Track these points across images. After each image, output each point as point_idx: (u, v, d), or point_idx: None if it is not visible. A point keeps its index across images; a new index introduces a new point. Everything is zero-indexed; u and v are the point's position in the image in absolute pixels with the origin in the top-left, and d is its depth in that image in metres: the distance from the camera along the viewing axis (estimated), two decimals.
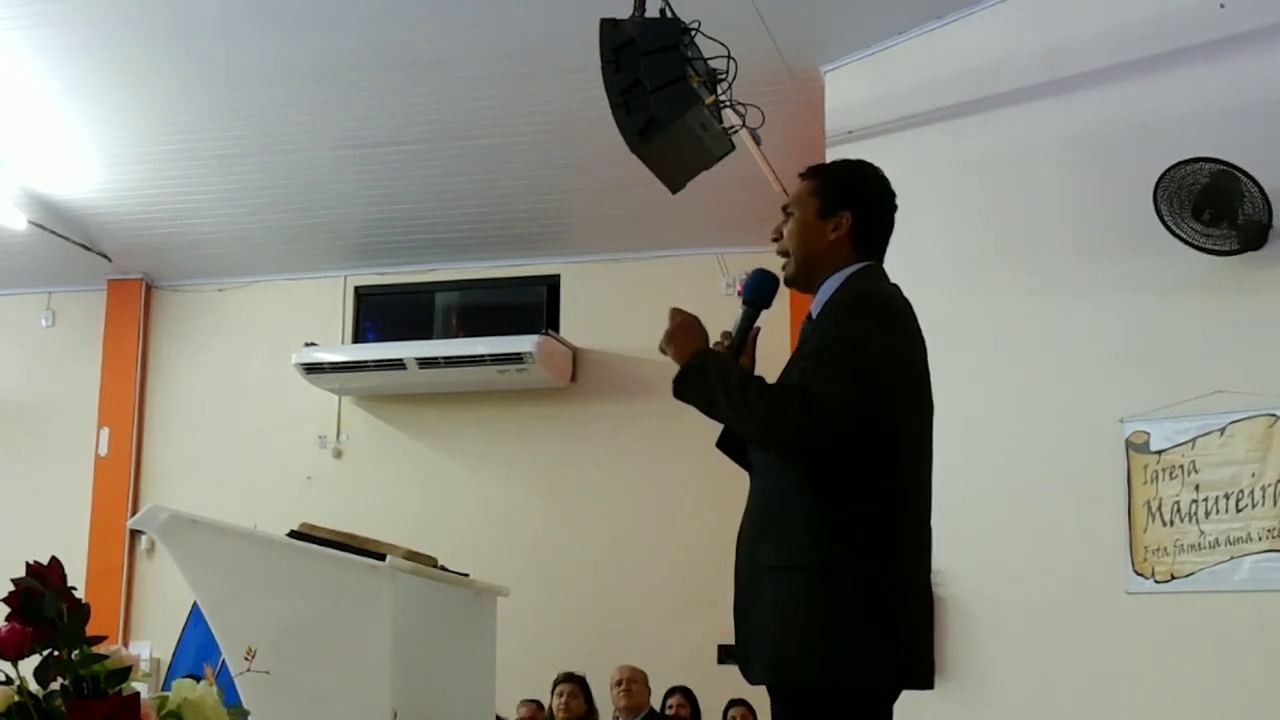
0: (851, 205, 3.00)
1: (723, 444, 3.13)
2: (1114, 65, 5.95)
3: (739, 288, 8.53)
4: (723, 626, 9.08)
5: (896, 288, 3.02)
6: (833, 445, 2.75)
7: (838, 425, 2.74)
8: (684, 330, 2.96)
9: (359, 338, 9.43)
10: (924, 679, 2.90)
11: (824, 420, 2.73)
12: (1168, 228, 5.45)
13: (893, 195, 3.08)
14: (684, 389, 2.91)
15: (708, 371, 2.88)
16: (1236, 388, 5.39)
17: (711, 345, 2.99)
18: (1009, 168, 6.25)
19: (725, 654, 8.31)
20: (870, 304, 2.91)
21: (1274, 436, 5.31)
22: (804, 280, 3.04)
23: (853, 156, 6.55)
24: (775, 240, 3.09)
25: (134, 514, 6.36)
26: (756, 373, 2.99)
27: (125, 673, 2.09)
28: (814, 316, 3.01)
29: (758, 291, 3.08)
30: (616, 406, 8.62)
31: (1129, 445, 5.64)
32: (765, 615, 2.80)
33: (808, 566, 2.75)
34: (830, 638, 2.71)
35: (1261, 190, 5.29)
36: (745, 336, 3.06)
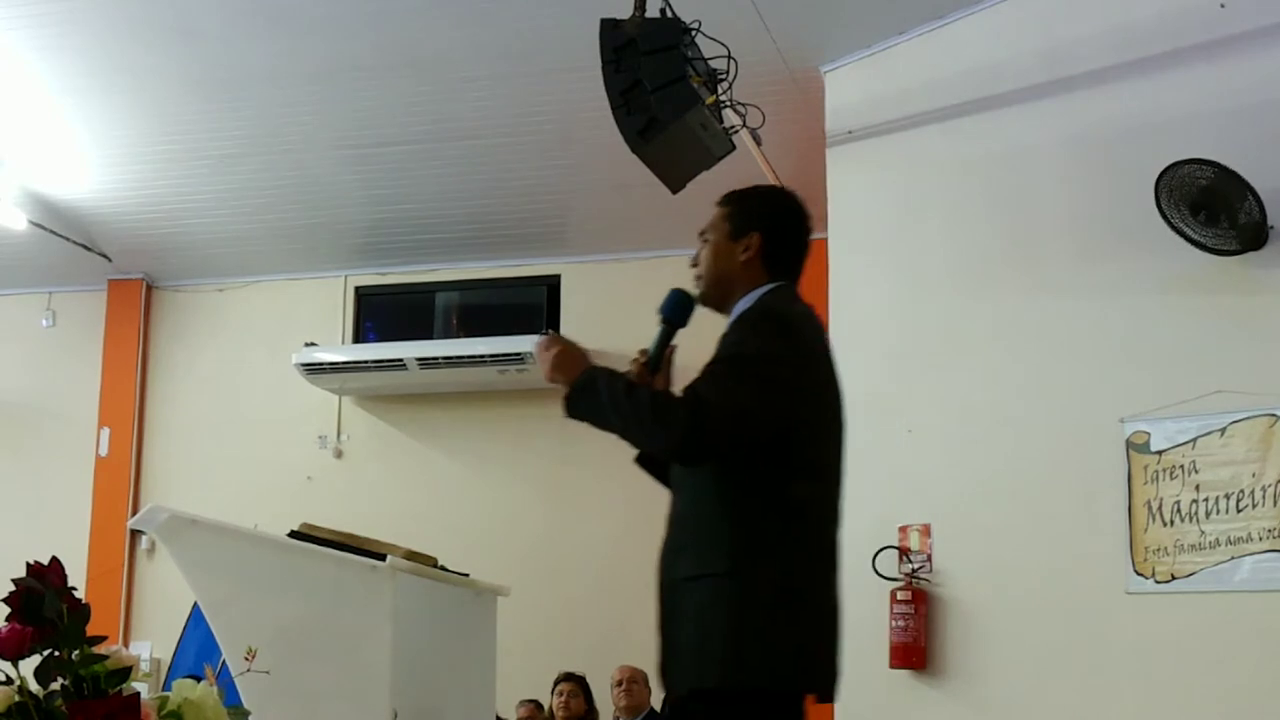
0: (760, 227, 3.10)
1: (641, 461, 3.20)
2: (1114, 65, 5.95)
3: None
4: None
5: (808, 307, 3.11)
6: (728, 450, 2.84)
7: (733, 431, 2.82)
8: (565, 356, 3.03)
9: (359, 338, 9.43)
10: (826, 685, 2.96)
11: (716, 425, 2.81)
12: (1169, 223, 5.44)
13: (804, 218, 3.18)
14: (575, 406, 2.97)
15: (596, 386, 2.94)
16: (1237, 388, 5.39)
17: (630, 362, 3.10)
18: (1009, 168, 6.25)
19: None
20: (770, 319, 3.00)
21: (1274, 436, 5.31)
22: (717, 300, 3.13)
23: (857, 158, 6.52)
24: (693, 266, 3.19)
25: (134, 514, 6.38)
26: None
27: (125, 673, 2.09)
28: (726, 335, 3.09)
29: (674, 310, 3.16)
30: None
31: (1129, 445, 5.64)
32: (679, 624, 2.89)
33: (717, 574, 2.84)
34: (736, 642, 2.80)
35: (1258, 196, 5.29)
36: (661, 354, 3.13)
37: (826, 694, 2.95)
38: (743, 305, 3.06)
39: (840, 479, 3.06)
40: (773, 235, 3.11)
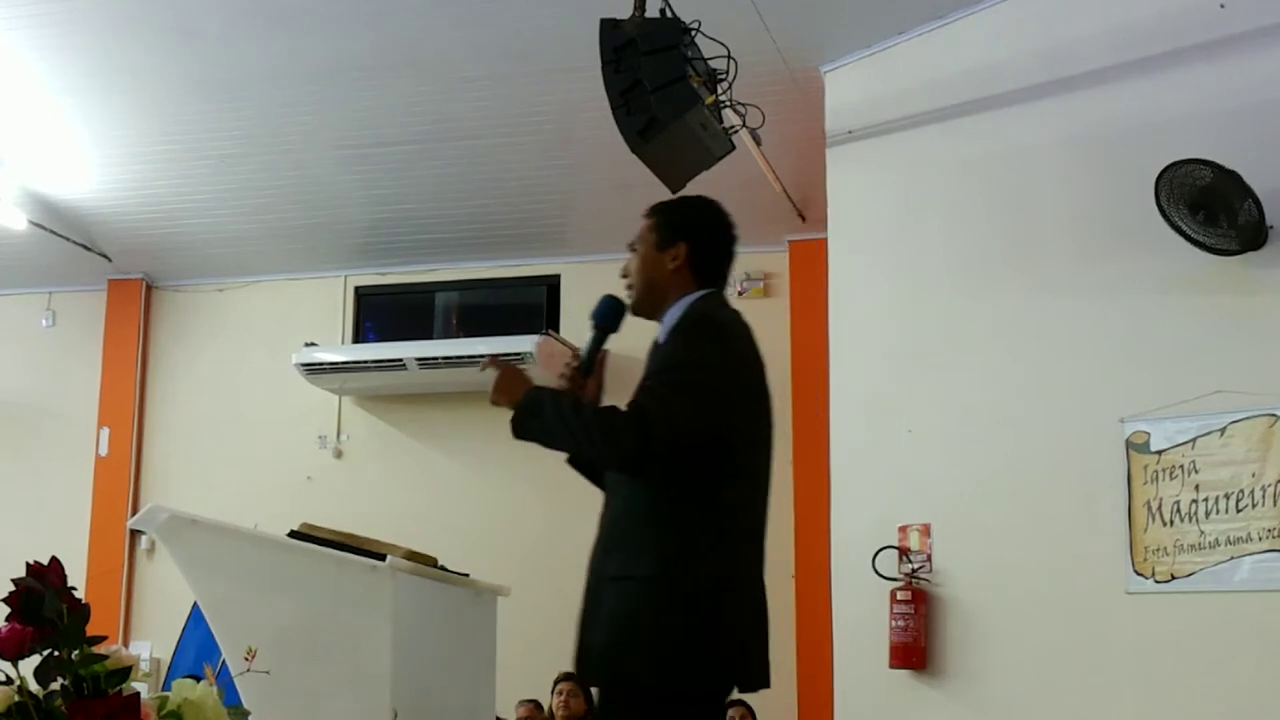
0: (686, 237, 3.22)
1: (574, 463, 3.32)
2: (1114, 65, 5.95)
3: (739, 288, 8.54)
4: None
5: (735, 313, 3.24)
6: (671, 459, 2.94)
7: (675, 440, 2.93)
8: (509, 379, 3.15)
9: (359, 338, 9.43)
10: (753, 680, 3.07)
11: (661, 436, 2.92)
12: (1169, 223, 5.44)
13: (730, 227, 3.32)
14: (522, 428, 3.09)
15: (542, 406, 3.06)
16: (1237, 388, 5.39)
17: (563, 366, 3.23)
18: (1009, 168, 6.25)
19: None
20: (703, 326, 3.11)
21: (1274, 436, 5.31)
22: (647, 308, 3.26)
23: (857, 158, 6.53)
24: (623, 276, 3.31)
25: (134, 514, 6.38)
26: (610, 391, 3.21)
27: (125, 673, 2.09)
28: (659, 342, 3.19)
29: (606, 317, 3.29)
30: None
31: (1129, 445, 5.64)
32: (603, 621, 2.99)
33: (643, 576, 2.95)
34: (659, 641, 2.90)
35: (1256, 197, 5.29)
36: (594, 359, 3.26)
37: (755, 685, 3.07)
38: (674, 313, 3.18)
39: (768, 482, 3.18)
40: (699, 245, 3.23)
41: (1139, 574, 5.55)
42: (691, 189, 5.45)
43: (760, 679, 3.09)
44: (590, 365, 3.25)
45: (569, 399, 3.09)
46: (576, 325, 8.94)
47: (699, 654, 2.91)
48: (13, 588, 2.08)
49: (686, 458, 2.94)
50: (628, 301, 3.30)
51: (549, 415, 3.04)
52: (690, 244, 3.22)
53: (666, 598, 2.92)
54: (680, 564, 2.94)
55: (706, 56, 5.24)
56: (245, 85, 7.33)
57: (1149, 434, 5.59)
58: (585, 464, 3.30)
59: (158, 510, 3.53)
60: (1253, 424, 5.36)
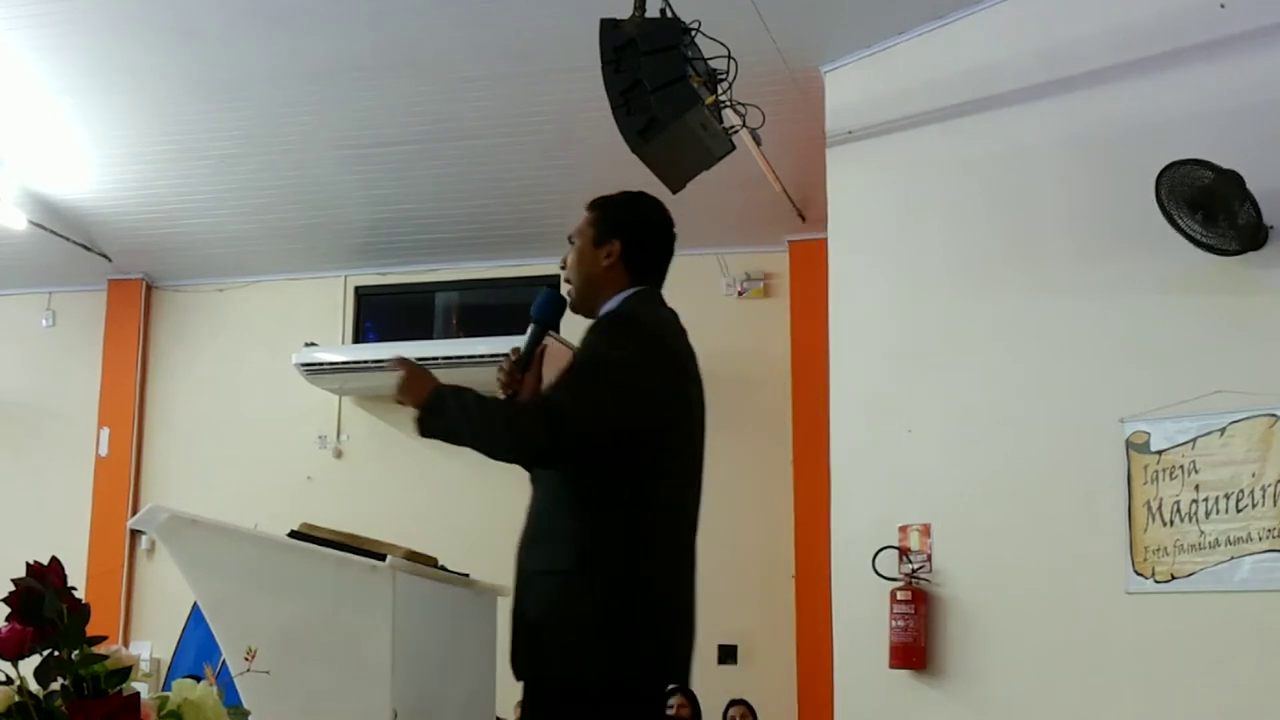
0: (621, 234, 3.22)
1: None
2: (1114, 65, 5.95)
3: (739, 288, 8.54)
4: (723, 627, 9.10)
5: (669, 312, 3.23)
6: (580, 454, 2.96)
7: (584, 435, 2.94)
8: (413, 377, 3.16)
9: (359, 338, 9.43)
10: (670, 676, 3.11)
11: (570, 431, 2.93)
12: (1171, 222, 5.44)
13: (666, 224, 3.31)
14: (427, 426, 3.09)
15: (445, 403, 3.07)
16: (1237, 388, 5.39)
17: (502, 360, 3.24)
18: (1009, 168, 6.25)
19: (725, 655, 8.33)
20: (622, 323, 3.12)
21: (1274, 436, 5.31)
22: (583, 304, 3.27)
23: (857, 158, 6.51)
24: (562, 269, 3.32)
25: (134, 514, 6.38)
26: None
27: (125, 673, 2.09)
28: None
29: (545, 311, 3.29)
30: None
31: (1129, 445, 5.64)
32: (528, 617, 3.01)
33: (564, 571, 2.96)
34: (579, 637, 2.93)
35: (1253, 198, 5.29)
36: (532, 354, 3.26)
37: (676, 679, 3.11)
38: (606, 309, 3.19)
39: (698, 481, 3.18)
40: (633, 242, 3.23)
41: (1139, 574, 5.55)
42: (692, 189, 5.46)
43: (680, 676, 3.13)
44: (529, 361, 3.25)
45: (473, 394, 3.07)
46: (577, 325, 8.95)
47: (616, 648, 2.92)
48: (13, 588, 2.08)
49: (603, 454, 2.96)
50: (568, 297, 3.31)
51: (453, 412, 3.04)
52: (624, 241, 3.21)
53: (584, 592, 2.94)
54: (598, 559, 2.95)
55: (706, 56, 5.24)
56: (245, 85, 7.33)
57: (1149, 434, 5.59)
58: None
59: (158, 510, 3.52)
60: (1253, 424, 5.36)
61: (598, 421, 2.95)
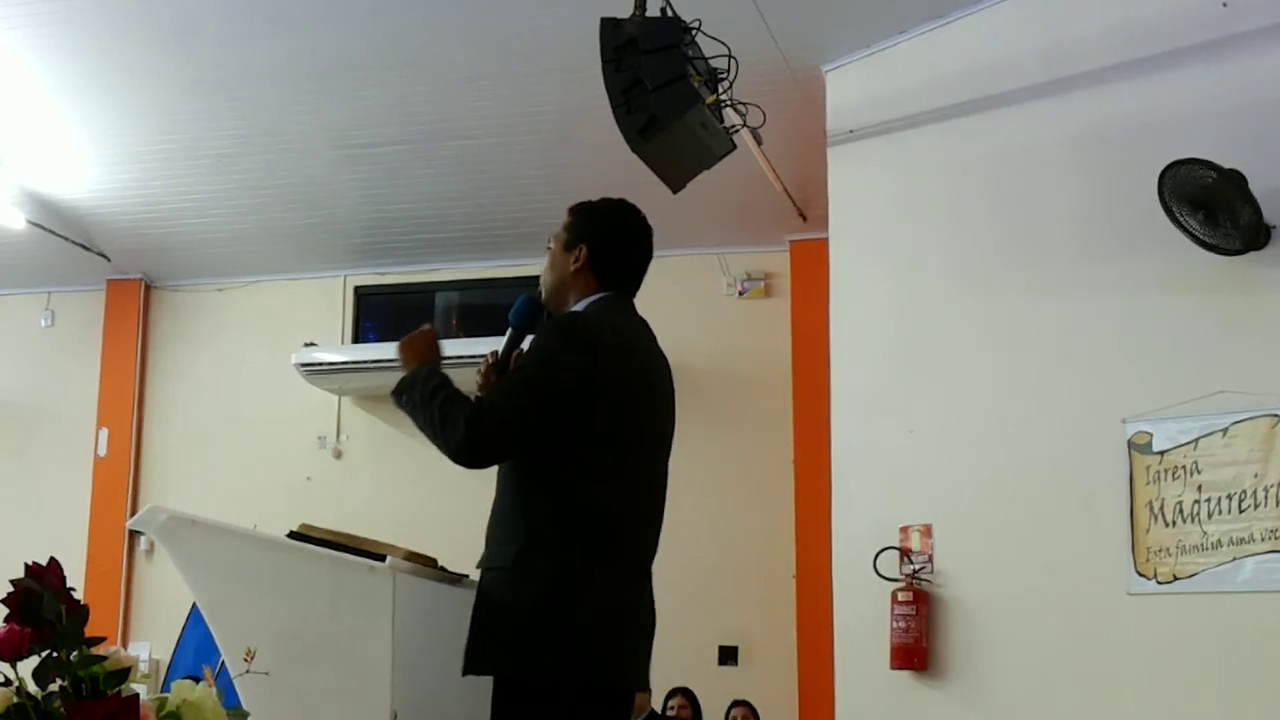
0: (589, 238, 3.25)
1: None
2: (1114, 65, 5.94)
3: (740, 288, 8.53)
4: (724, 627, 9.09)
5: (629, 318, 3.24)
6: (498, 454, 3.05)
7: (501, 434, 2.99)
8: (415, 341, 3.25)
9: (359, 338, 9.43)
10: (625, 678, 3.13)
11: (487, 433, 2.98)
12: (1175, 221, 5.43)
13: (637, 229, 3.33)
14: (397, 398, 3.16)
15: (414, 386, 3.11)
16: (1239, 388, 5.38)
17: (480, 362, 3.27)
18: (1009, 168, 6.25)
19: (726, 656, 8.32)
20: (566, 327, 3.15)
21: (1276, 437, 5.30)
22: (555, 307, 3.30)
23: (858, 158, 6.50)
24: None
25: (133, 514, 6.36)
26: None
27: (124, 674, 2.08)
28: None
29: (521, 316, 3.32)
30: None
31: (1131, 446, 5.63)
32: (478, 611, 3.09)
33: (502, 567, 3.05)
34: (513, 633, 2.99)
35: (1253, 198, 5.28)
36: (509, 357, 3.28)
37: (615, 684, 3.11)
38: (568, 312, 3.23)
39: (650, 483, 3.22)
40: (600, 247, 3.25)
41: (1141, 575, 5.54)
42: (692, 188, 5.46)
43: (634, 678, 3.16)
44: (506, 364, 3.27)
45: (436, 384, 3.09)
46: None
47: (546, 644, 2.96)
48: (11, 588, 2.07)
49: (546, 454, 3.00)
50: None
51: (416, 394, 3.09)
52: (591, 246, 3.24)
53: (518, 587, 3.00)
54: (530, 555, 3.01)
55: (707, 56, 5.23)
56: (244, 85, 7.32)
57: (1151, 434, 5.58)
58: None
59: (157, 510, 3.51)
60: (1255, 424, 5.35)
61: (516, 422, 2.99)
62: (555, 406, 2.99)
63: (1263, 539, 5.27)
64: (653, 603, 3.27)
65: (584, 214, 3.33)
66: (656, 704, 7.49)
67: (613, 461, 3.10)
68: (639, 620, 3.20)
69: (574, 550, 3.01)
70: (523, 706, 3.01)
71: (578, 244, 3.26)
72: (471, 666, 3.10)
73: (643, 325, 3.27)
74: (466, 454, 3.01)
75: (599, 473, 3.07)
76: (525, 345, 3.25)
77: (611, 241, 3.29)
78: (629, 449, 3.14)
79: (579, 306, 3.21)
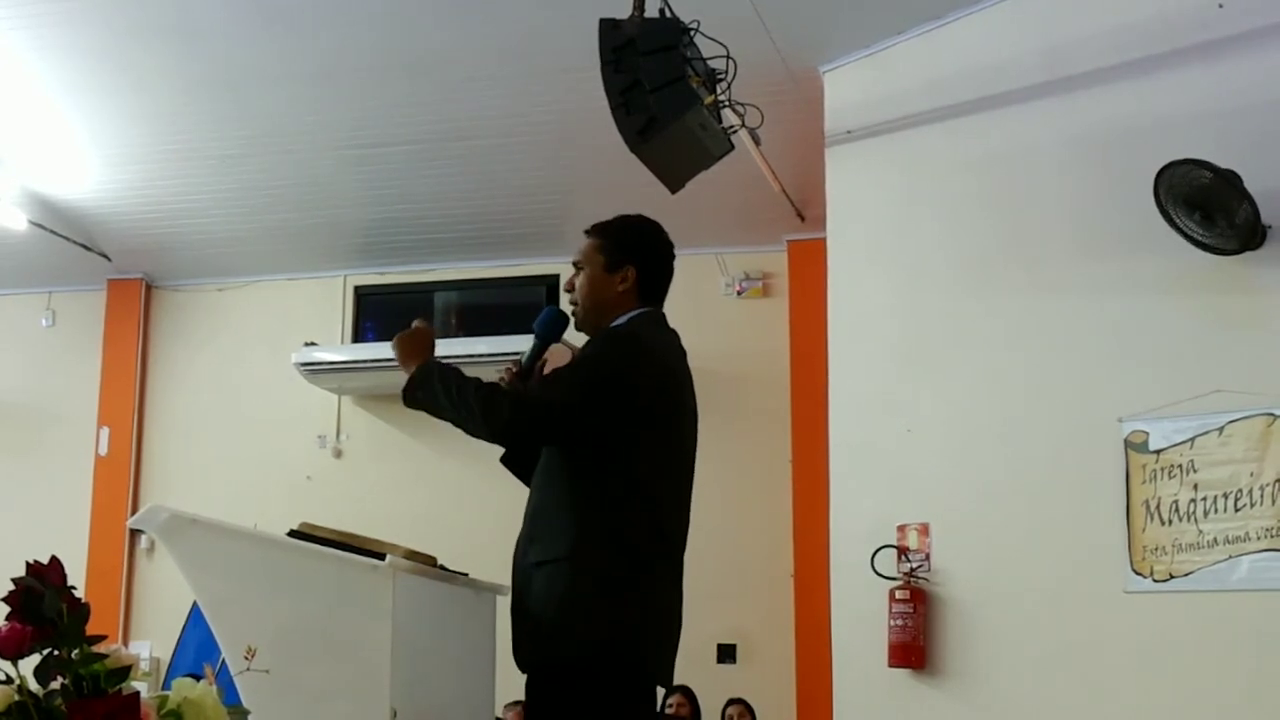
0: (635, 259, 3.42)
1: (506, 460, 3.53)
2: (1114, 65, 5.95)
3: (738, 288, 8.54)
4: (723, 626, 9.10)
5: (669, 333, 3.42)
6: (537, 435, 3.23)
7: (541, 418, 3.18)
8: (411, 338, 3.40)
9: (359, 337, 9.43)
10: (651, 669, 3.25)
11: (534, 417, 3.18)
12: (1170, 221, 5.44)
13: (670, 246, 3.52)
14: (412, 398, 3.32)
15: (430, 379, 3.27)
16: (1235, 387, 5.39)
17: (500, 372, 3.41)
18: (1009, 168, 6.26)
19: (724, 654, 8.34)
20: (617, 337, 3.32)
21: (1272, 436, 5.31)
22: (592, 326, 3.43)
23: (857, 158, 6.52)
24: (568, 291, 3.52)
25: (134, 513, 6.38)
26: None
27: (125, 672, 2.09)
28: None
29: (547, 327, 3.48)
30: None
31: (1127, 444, 5.65)
32: (528, 606, 3.20)
33: (559, 559, 3.15)
34: (570, 619, 3.11)
35: (1251, 198, 5.29)
36: (532, 366, 3.42)
37: (654, 678, 3.25)
38: (613, 326, 3.36)
39: (687, 496, 3.35)
40: (646, 267, 3.43)
41: (1137, 573, 5.55)
42: (691, 188, 5.47)
43: (663, 677, 3.28)
44: (529, 371, 3.40)
45: (457, 373, 3.26)
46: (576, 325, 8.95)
47: (615, 631, 3.09)
48: (12, 587, 2.09)
49: (597, 452, 3.14)
50: (570, 314, 3.48)
51: (436, 387, 3.24)
52: (638, 266, 3.40)
53: (581, 577, 3.12)
54: (589, 548, 3.13)
55: (706, 56, 5.24)
56: (245, 85, 7.33)
57: (1147, 433, 5.59)
58: (515, 461, 3.50)
59: (157, 510, 3.52)
60: (1251, 423, 5.36)
61: (560, 410, 3.15)
62: (600, 404, 3.15)
63: (1258, 538, 5.28)
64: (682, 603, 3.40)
65: (623, 234, 3.48)
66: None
67: (660, 468, 3.26)
68: (679, 617, 3.34)
69: (628, 544, 3.16)
70: (574, 693, 3.10)
71: (624, 265, 3.40)
72: (535, 657, 3.18)
73: (677, 337, 3.43)
74: (507, 434, 3.22)
75: (649, 472, 3.22)
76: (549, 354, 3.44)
77: (656, 261, 3.46)
78: (674, 459, 3.31)
79: (621, 321, 3.35)
